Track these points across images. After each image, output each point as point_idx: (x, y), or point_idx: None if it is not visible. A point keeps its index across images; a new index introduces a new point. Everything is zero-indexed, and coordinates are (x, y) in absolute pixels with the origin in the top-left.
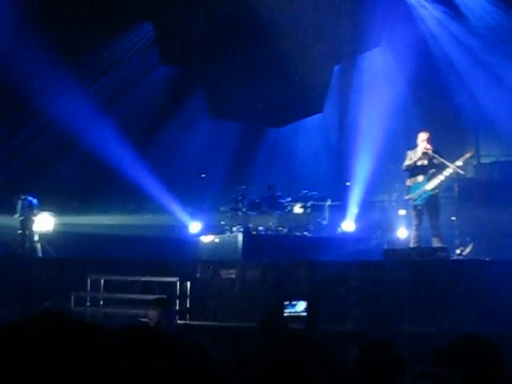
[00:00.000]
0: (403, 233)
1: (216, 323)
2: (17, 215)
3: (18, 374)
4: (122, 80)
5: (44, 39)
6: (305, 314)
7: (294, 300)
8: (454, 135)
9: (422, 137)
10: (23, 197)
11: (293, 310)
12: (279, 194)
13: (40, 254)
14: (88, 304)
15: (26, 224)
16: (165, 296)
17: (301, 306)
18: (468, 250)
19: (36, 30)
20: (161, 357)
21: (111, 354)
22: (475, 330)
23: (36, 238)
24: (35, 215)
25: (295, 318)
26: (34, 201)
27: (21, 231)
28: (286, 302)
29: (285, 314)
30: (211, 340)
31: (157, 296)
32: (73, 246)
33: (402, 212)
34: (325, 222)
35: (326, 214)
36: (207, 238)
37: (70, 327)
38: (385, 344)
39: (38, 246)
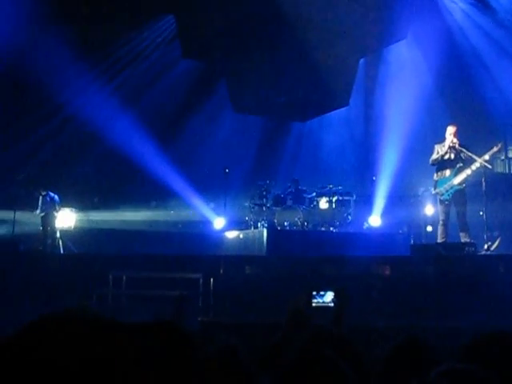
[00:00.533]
0: (430, 228)
1: (240, 320)
2: (38, 211)
3: (42, 371)
4: (144, 74)
5: (65, 33)
6: (332, 304)
7: (323, 290)
8: (482, 129)
9: (450, 130)
10: (45, 193)
11: (321, 301)
12: (304, 188)
13: (61, 251)
14: (110, 301)
15: (47, 220)
16: (186, 292)
17: (329, 297)
18: (496, 244)
19: (57, 24)
20: (185, 356)
21: (135, 353)
22: (503, 326)
23: (57, 234)
24: (57, 211)
25: (323, 309)
26: (56, 197)
27: (42, 228)
28: (314, 293)
29: (313, 305)
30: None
31: (179, 292)
32: (95, 243)
33: (429, 207)
34: (350, 218)
35: (352, 208)
36: (231, 234)
37: (94, 325)
38: (418, 341)
39: (60, 242)
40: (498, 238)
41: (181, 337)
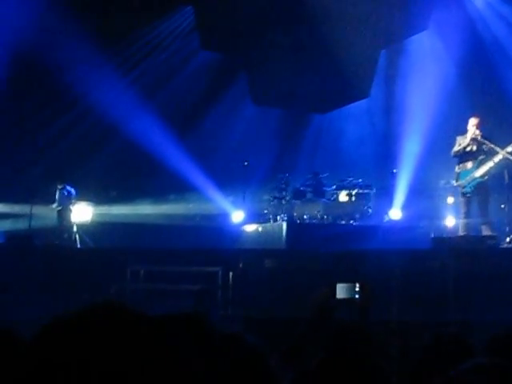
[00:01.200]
0: (451, 221)
1: (259, 314)
2: (55, 205)
3: (80, 368)
4: (162, 66)
5: (83, 25)
6: (357, 296)
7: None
8: (505, 120)
9: (472, 122)
10: (61, 186)
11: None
12: (324, 181)
13: (78, 245)
14: (128, 295)
15: (64, 214)
16: (206, 287)
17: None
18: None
19: (75, 15)
20: (209, 347)
21: (171, 347)
22: None
23: (74, 228)
24: (74, 205)
25: (348, 301)
26: (73, 190)
27: (59, 222)
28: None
29: (337, 297)
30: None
31: (200, 286)
32: (112, 237)
33: (451, 200)
34: (370, 211)
35: (372, 201)
36: (250, 227)
37: (132, 319)
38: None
39: (77, 236)
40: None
41: (205, 329)
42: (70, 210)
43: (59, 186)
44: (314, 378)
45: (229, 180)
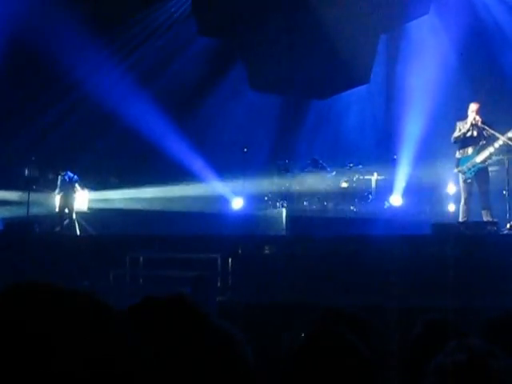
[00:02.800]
0: (452, 207)
1: (259, 300)
2: (57, 191)
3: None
4: (160, 52)
5: (79, 10)
6: None
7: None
8: (506, 106)
9: (472, 107)
10: (63, 173)
11: None
12: (324, 167)
13: (78, 232)
14: (127, 282)
15: (65, 201)
16: (204, 273)
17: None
18: (508, 226)
19: (71, 1)
20: (199, 333)
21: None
22: None
23: (74, 215)
24: (75, 192)
25: None
26: (75, 177)
27: (59, 208)
28: None
29: None
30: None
31: (197, 273)
32: (111, 224)
33: (451, 185)
34: (371, 197)
35: (373, 188)
36: (250, 214)
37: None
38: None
39: (76, 223)
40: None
41: (195, 313)
42: (72, 197)
43: (61, 173)
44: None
45: (228, 166)
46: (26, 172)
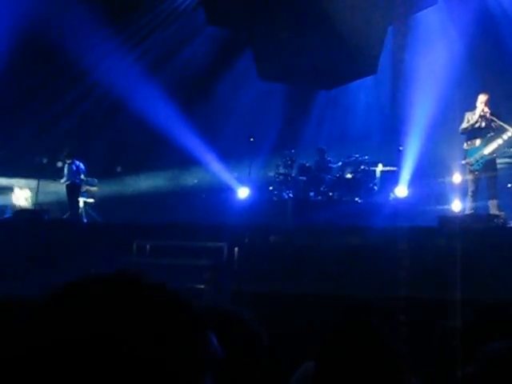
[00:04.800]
0: (458, 200)
1: (264, 289)
2: (63, 180)
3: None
4: (168, 41)
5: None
6: None
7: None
8: None
9: (481, 99)
10: (70, 161)
11: None
12: (329, 158)
13: (85, 220)
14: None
15: (72, 189)
16: (216, 262)
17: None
18: None
19: None
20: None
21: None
22: None
23: (81, 203)
24: (82, 180)
25: None
26: (81, 165)
27: (68, 196)
28: None
29: None
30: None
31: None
32: (118, 212)
33: (458, 177)
34: (376, 188)
35: (378, 179)
36: (256, 203)
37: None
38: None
39: (83, 211)
40: None
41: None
42: (79, 185)
43: (68, 161)
44: (323, 354)
45: (234, 156)
46: (36, 160)
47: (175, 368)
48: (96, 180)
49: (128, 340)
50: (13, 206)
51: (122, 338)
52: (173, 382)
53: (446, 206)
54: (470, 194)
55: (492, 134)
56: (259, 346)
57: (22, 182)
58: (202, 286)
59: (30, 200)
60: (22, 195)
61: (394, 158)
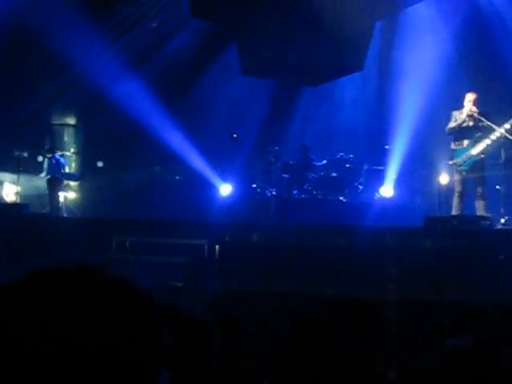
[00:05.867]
0: (444, 199)
1: (245, 287)
2: (43, 174)
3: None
4: (151, 34)
5: None
6: None
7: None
8: (504, 96)
9: (469, 97)
10: (50, 155)
11: None
12: (313, 156)
13: (65, 215)
14: (113, 266)
15: (53, 183)
16: (195, 259)
17: None
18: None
19: None
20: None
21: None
22: None
23: (62, 198)
24: (63, 174)
25: None
26: (62, 159)
27: (48, 191)
28: None
29: None
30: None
31: (188, 259)
32: (98, 207)
33: (445, 177)
34: (361, 187)
35: (363, 178)
36: (238, 201)
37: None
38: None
39: (64, 206)
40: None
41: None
42: (59, 180)
43: (48, 155)
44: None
45: (217, 152)
46: (16, 153)
47: (128, 357)
48: (77, 174)
49: (77, 332)
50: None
51: (70, 331)
52: (128, 371)
53: (431, 207)
54: (456, 194)
55: (480, 134)
56: (209, 350)
57: (10, 176)
58: (182, 284)
59: (18, 195)
60: (11, 190)
61: (380, 156)
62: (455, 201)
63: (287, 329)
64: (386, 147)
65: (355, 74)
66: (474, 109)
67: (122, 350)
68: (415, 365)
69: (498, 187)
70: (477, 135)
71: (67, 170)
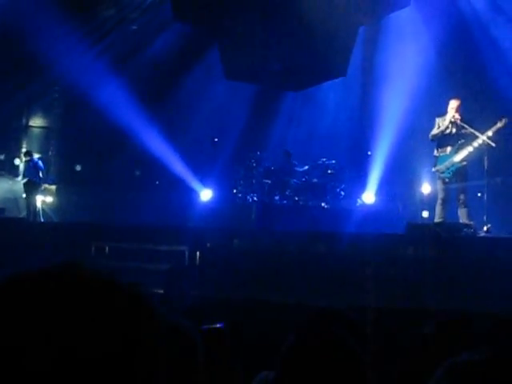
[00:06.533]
0: (426, 213)
1: (227, 295)
2: (20, 178)
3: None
4: (133, 37)
5: None
6: None
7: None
8: (487, 103)
9: (452, 104)
10: (28, 158)
11: None
12: (295, 161)
13: (42, 219)
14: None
15: (30, 187)
16: (175, 266)
17: None
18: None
19: None
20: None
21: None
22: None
23: (39, 202)
24: (40, 178)
25: None
26: (40, 162)
27: (26, 195)
28: None
29: None
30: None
31: (167, 266)
32: (76, 212)
33: (427, 185)
34: (343, 193)
35: (345, 184)
36: (219, 206)
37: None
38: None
39: (41, 210)
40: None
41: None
42: (37, 184)
43: (25, 158)
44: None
45: (198, 157)
46: None
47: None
48: (54, 178)
49: (63, 336)
50: None
51: (59, 340)
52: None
53: (414, 213)
54: (439, 201)
55: (463, 141)
56: (194, 360)
57: None
58: (162, 291)
59: None
60: None
61: (362, 162)
62: (438, 208)
63: (289, 340)
64: (369, 153)
65: (338, 79)
66: (457, 116)
67: (117, 358)
68: None
69: (479, 194)
70: (460, 142)
71: (45, 173)
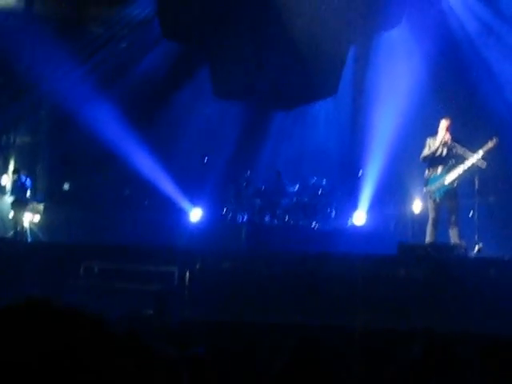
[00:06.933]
0: (418, 226)
1: (216, 318)
2: (7, 196)
3: None
4: (121, 55)
5: (40, 10)
6: None
7: None
8: (478, 122)
9: (443, 124)
10: (16, 176)
11: None
12: (286, 181)
13: (30, 239)
14: (81, 293)
15: (17, 206)
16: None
17: None
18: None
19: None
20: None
21: (112, 346)
22: (496, 332)
23: (26, 221)
24: (29, 196)
25: None
26: (28, 180)
27: (12, 214)
28: None
29: None
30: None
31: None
32: (65, 231)
33: (418, 204)
34: (334, 213)
35: (336, 204)
36: (208, 227)
37: (57, 317)
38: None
39: (28, 230)
40: (478, 243)
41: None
42: (25, 203)
43: (13, 176)
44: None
45: (187, 176)
46: None
47: None
48: (42, 197)
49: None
50: None
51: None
52: None
53: (405, 233)
54: (430, 221)
55: (453, 161)
56: None
57: None
58: (151, 312)
59: None
60: None
61: (353, 181)
62: (429, 228)
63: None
64: (360, 173)
65: (329, 97)
66: (448, 136)
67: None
68: None
69: (470, 215)
70: (450, 162)
71: (33, 191)
